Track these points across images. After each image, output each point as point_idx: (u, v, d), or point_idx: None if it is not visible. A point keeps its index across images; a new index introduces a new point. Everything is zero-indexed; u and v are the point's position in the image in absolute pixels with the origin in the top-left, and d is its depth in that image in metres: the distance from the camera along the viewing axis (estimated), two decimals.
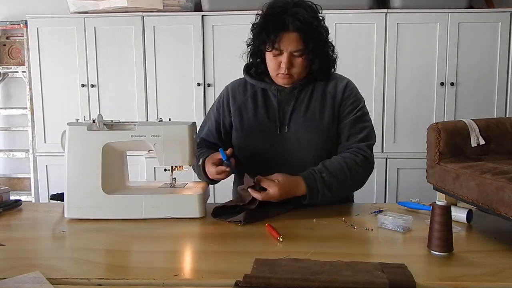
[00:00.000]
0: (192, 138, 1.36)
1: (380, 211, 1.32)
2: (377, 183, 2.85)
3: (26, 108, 3.14)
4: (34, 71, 2.96)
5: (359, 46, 2.81)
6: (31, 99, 3.06)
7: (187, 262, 1.00)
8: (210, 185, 1.48)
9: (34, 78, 2.97)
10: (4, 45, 3.26)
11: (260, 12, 1.40)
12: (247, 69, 1.53)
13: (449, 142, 1.30)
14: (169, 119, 1.41)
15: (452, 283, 0.86)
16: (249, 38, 1.46)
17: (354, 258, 0.96)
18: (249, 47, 1.47)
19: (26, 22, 2.98)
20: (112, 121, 1.36)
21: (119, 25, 2.88)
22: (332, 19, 2.79)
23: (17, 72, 3.22)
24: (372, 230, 1.19)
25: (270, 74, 1.45)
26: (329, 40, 1.45)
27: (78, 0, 2.87)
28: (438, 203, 1.02)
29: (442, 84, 2.80)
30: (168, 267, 0.95)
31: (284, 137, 1.46)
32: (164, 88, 2.91)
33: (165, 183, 1.45)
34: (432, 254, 1.01)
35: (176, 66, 2.89)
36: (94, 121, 1.33)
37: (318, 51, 1.38)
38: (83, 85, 2.93)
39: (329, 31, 1.45)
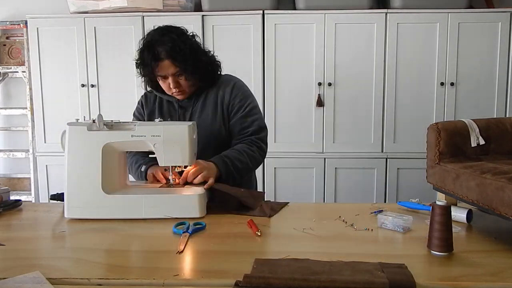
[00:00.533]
0: (192, 138, 1.36)
1: (380, 211, 1.32)
2: (377, 183, 2.84)
3: (26, 108, 3.14)
4: (34, 71, 2.96)
5: (359, 46, 2.81)
6: (31, 99, 3.06)
7: (187, 262, 1.00)
8: None
9: (34, 78, 2.97)
10: (4, 45, 3.26)
11: (138, 48, 1.58)
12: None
13: (449, 142, 1.30)
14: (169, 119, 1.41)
15: (452, 283, 0.86)
16: (137, 71, 1.62)
17: (354, 258, 0.96)
18: (141, 77, 1.64)
19: (26, 22, 2.98)
20: (112, 121, 1.36)
21: (119, 25, 2.88)
22: (332, 19, 2.79)
23: (17, 72, 3.22)
24: (372, 230, 1.19)
25: (166, 92, 1.63)
26: (204, 50, 1.63)
27: (78, 0, 2.87)
28: (438, 203, 1.02)
29: (442, 84, 2.80)
30: (168, 267, 0.95)
31: None
32: None
33: (165, 183, 1.45)
34: (432, 254, 1.01)
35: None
36: (94, 121, 1.33)
37: (195, 67, 1.55)
38: (83, 85, 2.93)
39: (199, 42, 1.62)
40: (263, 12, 2.79)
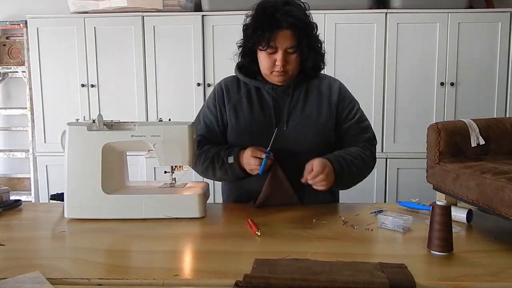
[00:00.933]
0: (192, 138, 1.36)
1: (380, 211, 1.32)
2: (377, 183, 2.84)
3: (26, 108, 3.14)
4: (34, 71, 2.96)
5: (359, 46, 2.81)
6: (31, 99, 3.06)
7: (187, 262, 1.00)
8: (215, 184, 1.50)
9: (34, 78, 2.97)
10: (4, 45, 3.26)
11: (250, 13, 1.43)
12: (239, 68, 1.53)
13: (449, 142, 1.30)
14: (169, 119, 1.40)
15: (452, 283, 0.86)
16: (240, 40, 1.47)
17: (354, 258, 0.96)
18: (240, 48, 1.48)
19: (26, 22, 2.98)
20: (112, 121, 1.36)
21: (119, 25, 2.88)
22: (332, 19, 2.79)
23: (17, 72, 3.22)
24: (372, 230, 1.19)
25: (263, 72, 1.45)
26: (319, 37, 1.48)
27: (78, 0, 2.87)
28: (438, 203, 1.02)
29: (442, 84, 2.80)
30: (168, 267, 0.95)
31: (282, 134, 1.45)
32: (164, 88, 2.91)
33: (165, 183, 1.45)
34: (432, 254, 1.01)
35: (176, 66, 2.89)
36: (94, 121, 1.33)
37: (311, 46, 1.42)
38: (83, 85, 2.93)
39: (318, 28, 1.48)
40: None
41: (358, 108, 1.54)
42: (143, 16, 2.86)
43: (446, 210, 1.01)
